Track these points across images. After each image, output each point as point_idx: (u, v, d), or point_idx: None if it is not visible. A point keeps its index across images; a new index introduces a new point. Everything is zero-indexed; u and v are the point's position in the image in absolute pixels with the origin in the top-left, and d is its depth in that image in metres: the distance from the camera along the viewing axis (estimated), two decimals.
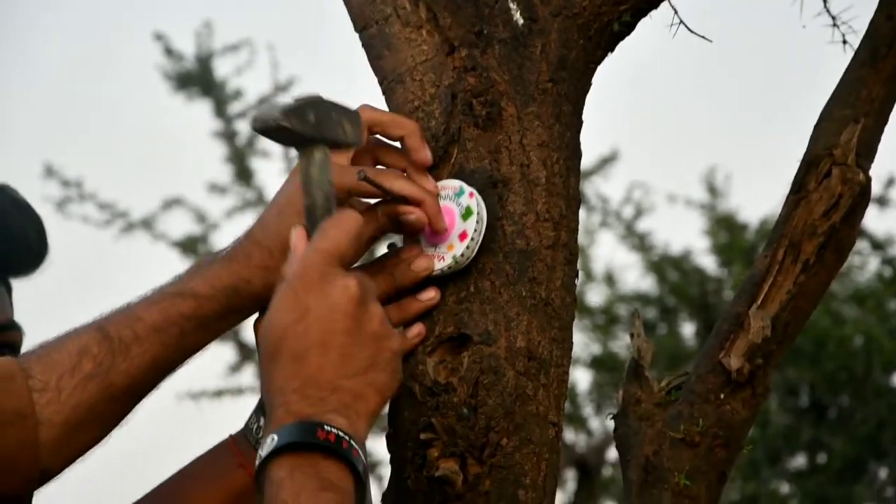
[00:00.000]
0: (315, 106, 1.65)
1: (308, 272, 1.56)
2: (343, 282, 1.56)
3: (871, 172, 1.95)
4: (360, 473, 1.51)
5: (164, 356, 1.76)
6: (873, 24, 1.96)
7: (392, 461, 1.84)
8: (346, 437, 1.51)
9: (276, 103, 1.63)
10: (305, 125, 1.63)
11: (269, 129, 1.63)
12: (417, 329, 1.81)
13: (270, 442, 1.50)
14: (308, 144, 1.65)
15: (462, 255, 1.81)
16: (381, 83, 1.93)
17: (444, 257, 1.81)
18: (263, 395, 1.59)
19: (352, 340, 1.55)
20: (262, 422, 1.87)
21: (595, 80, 1.97)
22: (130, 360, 1.74)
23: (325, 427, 1.50)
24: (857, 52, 1.96)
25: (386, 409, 1.73)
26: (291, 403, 1.51)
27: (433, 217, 1.79)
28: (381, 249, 1.88)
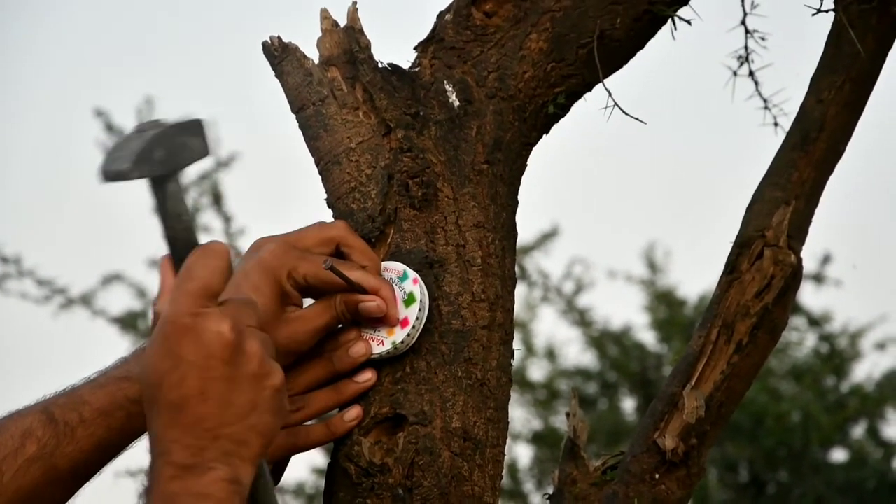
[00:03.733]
0: (160, 140, 1.57)
1: (179, 318, 1.50)
2: (216, 327, 1.50)
3: (808, 249, 1.97)
4: None
5: (110, 440, 1.75)
6: (804, 107, 1.99)
7: None
8: None
9: (123, 148, 1.56)
10: (154, 167, 1.56)
11: (120, 180, 1.57)
12: (355, 412, 1.81)
13: None
14: (156, 180, 1.58)
15: (402, 342, 1.81)
16: (317, 164, 1.94)
17: (384, 342, 1.81)
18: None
19: (230, 387, 1.50)
20: None
21: (537, 154, 1.99)
22: (76, 443, 1.73)
23: None
24: (788, 135, 1.99)
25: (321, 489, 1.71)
26: (172, 453, 1.49)
27: (390, 307, 1.80)
28: None
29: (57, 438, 1.72)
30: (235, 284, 1.76)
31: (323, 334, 1.80)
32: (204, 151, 1.61)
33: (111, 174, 1.54)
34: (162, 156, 1.55)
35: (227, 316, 1.51)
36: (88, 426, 1.73)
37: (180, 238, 1.57)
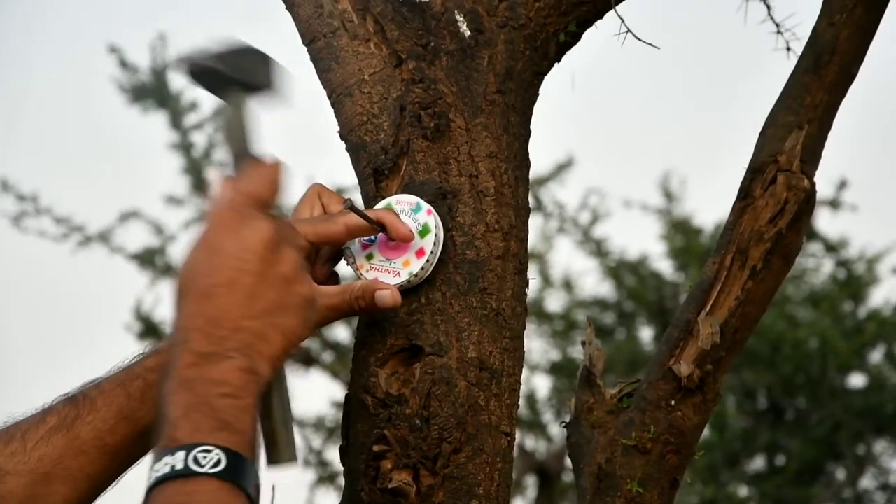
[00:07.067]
0: (242, 53, 1.67)
1: (225, 213, 1.56)
2: (258, 224, 1.55)
3: (823, 175, 1.97)
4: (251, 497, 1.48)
5: (130, 407, 1.76)
6: (816, 30, 1.97)
7: (346, 473, 1.84)
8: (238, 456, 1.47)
9: (209, 50, 1.65)
10: (235, 70, 1.65)
11: (202, 71, 1.64)
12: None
13: (163, 466, 1.44)
14: (232, 89, 1.66)
15: (417, 274, 1.81)
16: (329, 96, 1.94)
17: (400, 273, 1.82)
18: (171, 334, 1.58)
19: (261, 282, 1.54)
20: None
21: (549, 85, 1.98)
22: (96, 412, 1.75)
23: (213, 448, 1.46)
24: (800, 59, 1.98)
25: (339, 420, 1.72)
26: (193, 341, 1.50)
27: (396, 228, 1.81)
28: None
29: (77, 409, 1.75)
30: None
31: (333, 316, 1.80)
32: (267, 82, 1.68)
33: (194, 65, 1.63)
34: (244, 66, 1.65)
35: (273, 221, 1.55)
36: (107, 396, 1.76)
37: (244, 149, 1.63)
